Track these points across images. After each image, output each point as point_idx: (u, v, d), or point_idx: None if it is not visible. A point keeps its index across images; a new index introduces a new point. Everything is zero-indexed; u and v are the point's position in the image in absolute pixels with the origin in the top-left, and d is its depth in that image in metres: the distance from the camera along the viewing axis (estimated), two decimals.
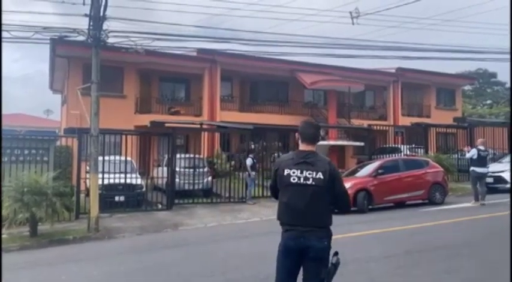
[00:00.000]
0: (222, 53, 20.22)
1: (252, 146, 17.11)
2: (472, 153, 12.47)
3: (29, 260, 8.11)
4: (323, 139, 21.55)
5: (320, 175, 3.14)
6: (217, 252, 7.74)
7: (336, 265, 3.13)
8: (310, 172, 3.16)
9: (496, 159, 16.82)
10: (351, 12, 14.13)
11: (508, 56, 19.55)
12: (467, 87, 42.97)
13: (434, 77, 26.71)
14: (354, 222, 9.82)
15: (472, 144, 15.76)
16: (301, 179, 3.16)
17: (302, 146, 3.32)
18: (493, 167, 14.24)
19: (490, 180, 13.34)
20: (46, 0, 13.06)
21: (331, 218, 3.25)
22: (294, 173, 3.19)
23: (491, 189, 13.04)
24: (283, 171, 3.23)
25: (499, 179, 14.47)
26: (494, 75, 49.67)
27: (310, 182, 3.15)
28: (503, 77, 49.34)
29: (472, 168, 12.44)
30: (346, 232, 8.12)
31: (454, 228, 8.93)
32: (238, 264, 6.65)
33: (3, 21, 10.44)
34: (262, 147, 17.85)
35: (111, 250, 8.91)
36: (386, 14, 27.52)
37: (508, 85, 50.12)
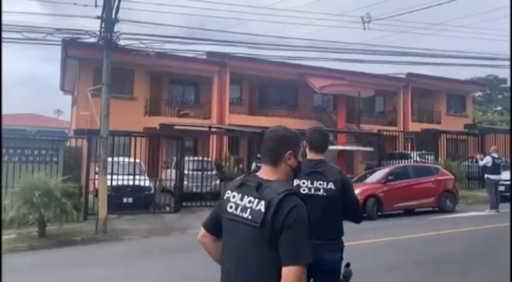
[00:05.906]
0: (231, 57, 20.23)
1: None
2: (486, 160, 12.49)
3: (37, 261, 8.15)
4: (332, 144, 21.44)
5: (331, 185, 3.07)
6: None
7: (347, 278, 3.06)
8: (321, 182, 3.08)
9: (507, 167, 16.59)
10: (362, 17, 14.11)
11: None
12: (477, 94, 42.59)
13: (444, 83, 26.48)
14: (363, 229, 9.64)
15: (483, 152, 15.56)
16: (312, 190, 3.08)
17: (310, 155, 3.22)
18: (504, 175, 14.06)
19: (501, 188, 13.18)
20: (59, 2, 13.20)
21: (342, 229, 3.18)
22: (304, 183, 3.10)
23: (502, 198, 12.88)
24: (293, 182, 3.16)
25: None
26: (504, 81, 49.21)
27: (321, 192, 3.08)
28: None
29: (486, 175, 12.49)
30: (355, 240, 7.99)
31: (466, 238, 8.79)
32: None
33: (14, 23, 10.53)
34: None
35: (119, 252, 8.91)
36: (397, 19, 27.38)
37: None
